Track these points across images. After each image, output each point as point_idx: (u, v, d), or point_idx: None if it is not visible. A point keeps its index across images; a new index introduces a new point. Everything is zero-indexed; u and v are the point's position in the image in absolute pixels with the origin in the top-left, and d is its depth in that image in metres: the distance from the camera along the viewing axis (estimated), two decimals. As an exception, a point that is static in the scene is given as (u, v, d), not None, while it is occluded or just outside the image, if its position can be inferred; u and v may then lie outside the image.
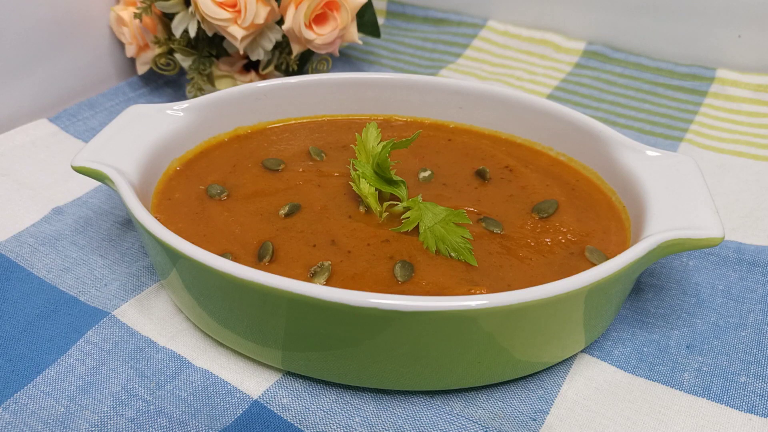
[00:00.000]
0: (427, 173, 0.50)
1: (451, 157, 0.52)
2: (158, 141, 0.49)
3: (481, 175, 0.50)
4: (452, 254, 0.41)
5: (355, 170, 0.46)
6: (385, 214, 0.45)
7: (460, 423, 0.39)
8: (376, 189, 0.46)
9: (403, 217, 0.43)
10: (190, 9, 0.61)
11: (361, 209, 0.46)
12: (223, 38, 0.65)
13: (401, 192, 0.45)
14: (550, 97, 0.72)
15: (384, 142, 0.45)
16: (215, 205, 0.47)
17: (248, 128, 0.55)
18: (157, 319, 0.45)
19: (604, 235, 0.44)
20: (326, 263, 0.41)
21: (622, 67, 0.76)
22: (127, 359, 0.42)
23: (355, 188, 0.46)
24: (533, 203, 0.47)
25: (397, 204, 0.46)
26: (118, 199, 0.56)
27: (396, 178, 0.45)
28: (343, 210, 0.46)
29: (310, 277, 0.41)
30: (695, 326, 0.45)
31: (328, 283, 0.40)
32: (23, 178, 0.58)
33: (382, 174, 0.45)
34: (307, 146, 0.54)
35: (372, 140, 0.47)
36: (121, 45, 0.72)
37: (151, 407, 0.40)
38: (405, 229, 0.43)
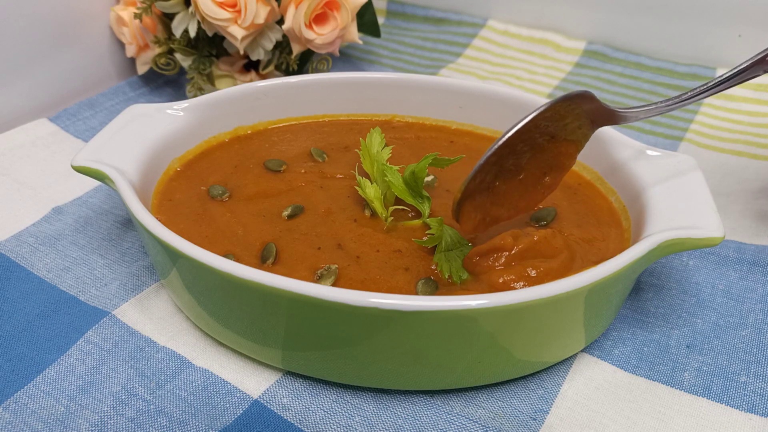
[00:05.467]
0: (430, 178, 0.50)
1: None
2: (158, 140, 0.49)
3: None
4: (460, 283, 0.41)
5: (385, 176, 0.45)
6: (390, 219, 0.45)
7: (460, 423, 0.39)
8: (385, 194, 0.46)
9: (428, 232, 0.43)
10: (190, 9, 0.61)
11: (366, 213, 0.46)
12: (223, 38, 0.65)
13: (424, 208, 0.45)
14: (550, 96, 0.72)
15: (426, 156, 0.44)
16: (217, 206, 0.47)
17: (248, 128, 0.55)
18: (157, 319, 0.45)
19: (603, 243, 0.44)
20: (333, 266, 0.41)
21: (622, 67, 0.76)
22: (127, 359, 0.42)
23: (360, 192, 0.46)
24: (533, 209, 0.47)
25: (405, 209, 0.46)
26: (118, 198, 0.56)
27: (424, 193, 0.45)
28: (348, 213, 0.46)
29: (317, 280, 0.41)
30: (695, 326, 0.45)
31: (335, 286, 0.40)
32: (23, 177, 0.58)
33: (414, 186, 0.45)
34: (308, 147, 0.54)
35: (376, 145, 0.47)
36: (121, 45, 0.72)
37: (151, 407, 0.40)
38: (426, 245, 0.43)
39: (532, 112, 0.40)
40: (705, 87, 0.43)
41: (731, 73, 0.42)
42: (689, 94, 0.43)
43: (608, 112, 0.43)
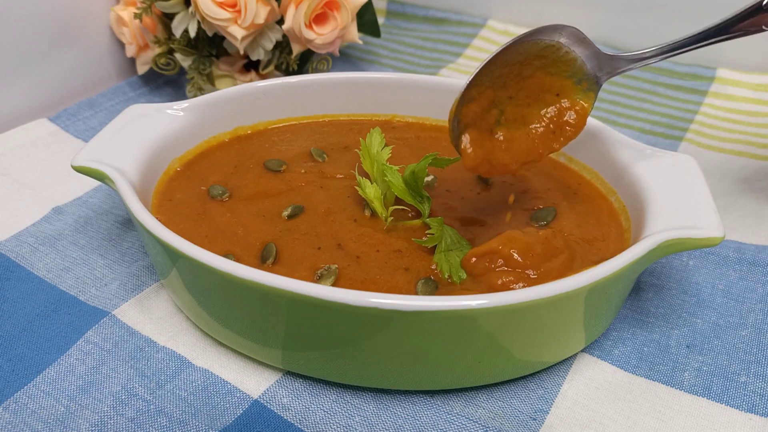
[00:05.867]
0: (430, 177, 0.50)
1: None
2: (158, 140, 0.49)
3: (483, 180, 0.50)
4: (460, 283, 0.41)
5: (385, 176, 0.45)
6: (390, 219, 0.45)
7: (460, 423, 0.39)
8: (385, 194, 0.46)
9: (428, 232, 0.43)
10: (190, 9, 0.61)
11: (366, 213, 0.46)
12: (223, 38, 0.65)
13: (424, 208, 0.45)
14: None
15: (426, 156, 0.44)
16: (217, 206, 0.47)
17: (248, 128, 0.55)
18: (157, 319, 0.45)
19: (603, 243, 0.44)
20: (333, 266, 0.41)
21: (622, 67, 0.76)
22: (127, 359, 0.42)
23: (360, 192, 0.46)
24: (534, 209, 0.47)
25: (405, 209, 0.46)
26: (118, 198, 0.56)
27: (424, 193, 0.45)
28: (348, 213, 0.46)
29: (317, 280, 0.41)
30: (695, 326, 0.45)
31: (335, 286, 0.40)
32: (23, 177, 0.58)
33: (414, 186, 0.45)
34: (308, 147, 0.54)
35: (376, 145, 0.47)
36: (121, 45, 0.72)
37: (151, 407, 0.40)
38: (426, 245, 0.43)
39: (517, 36, 0.40)
40: (704, 33, 0.42)
41: (734, 15, 0.41)
42: (688, 39, 0.43)
43: (606, 57, 0.42)
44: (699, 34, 0.43)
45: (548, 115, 0.43)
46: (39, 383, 0.41)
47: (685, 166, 0.45)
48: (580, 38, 0.41)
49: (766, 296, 0.47)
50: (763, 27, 0.41)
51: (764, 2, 0.41)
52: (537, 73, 0.41)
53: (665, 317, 0.46)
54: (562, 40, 0.41)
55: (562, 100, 0.42)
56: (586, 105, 0.43)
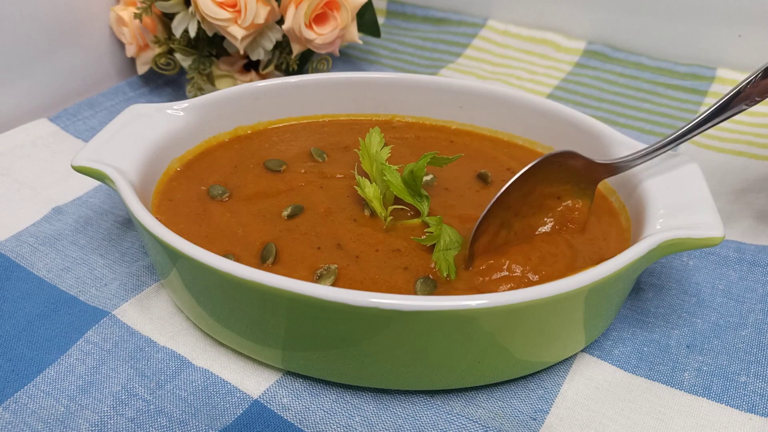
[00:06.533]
0: (429, 177, 0.50)
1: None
2: (158, 140, 0.49)
3: (483, 178, 0.50)
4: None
5: (384, 176, 0.45)
6: (389, 218, 0.45)
7: (460, 423, 0.39)
8: (384, 193, 0.46)
9: (426, 231, 0.43)
10: (190, 9, 0.61)
11: (366, 212, 0.46)
12: (223, 38, 0.65)
13: (423, 207, 0.45)
14: (550, 96, 0.72)
15: (425, 155, 0.44)
16: (217, 205, 0.47)
17: (248, 128, 0.55)
18: (157, 319, 0.45)
19: (604, 243, 0.44)
20: (332, 266, 0.41)
21: (623, 67, 0.76)
22: (127, 359, 0.42)
23: (359, 191, 0.46)
24: None
25: (404, 209, 0.46)
26: (118, 198, 0.56)
27: (423, 192, 0.45)
28: (348, 213, 0.46)
29: (316, 280, 0.41)
30: (695, 326, 0.45)
31: (334, 286, 0.40)
32: (23, 177, 0.58)
33: (412, 185, 0.45)
34: (308, 147, 0.54)
35: (375, 145, 0.47)
36: (121, 45, 0.72)
37: (151, 407, 0.40)
38: (426, 243, 0.43)
39: (517, 175, 0.41)
40: (690, 126, 0.44)
41: (716, 106, 0.43)
42: (675, 134, 0.44)
43: (599, 165, 0.44)
44: (688, 126, 0.44)
45: (552, 217, 0.44)
46: (39, 383, 0.41)
47: (685, 166, 0.45)
48: (572, 155, 0.43)
49: (766, 296, 0.47)
50: (757, 98, 0.43)
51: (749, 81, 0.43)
52: (537, 187, 0.43)
53: (665, 317, 0.46)
54: (555, 159, 0.43)
55: (564, 202, 0.44)
56: (586, 202, 0.45)
